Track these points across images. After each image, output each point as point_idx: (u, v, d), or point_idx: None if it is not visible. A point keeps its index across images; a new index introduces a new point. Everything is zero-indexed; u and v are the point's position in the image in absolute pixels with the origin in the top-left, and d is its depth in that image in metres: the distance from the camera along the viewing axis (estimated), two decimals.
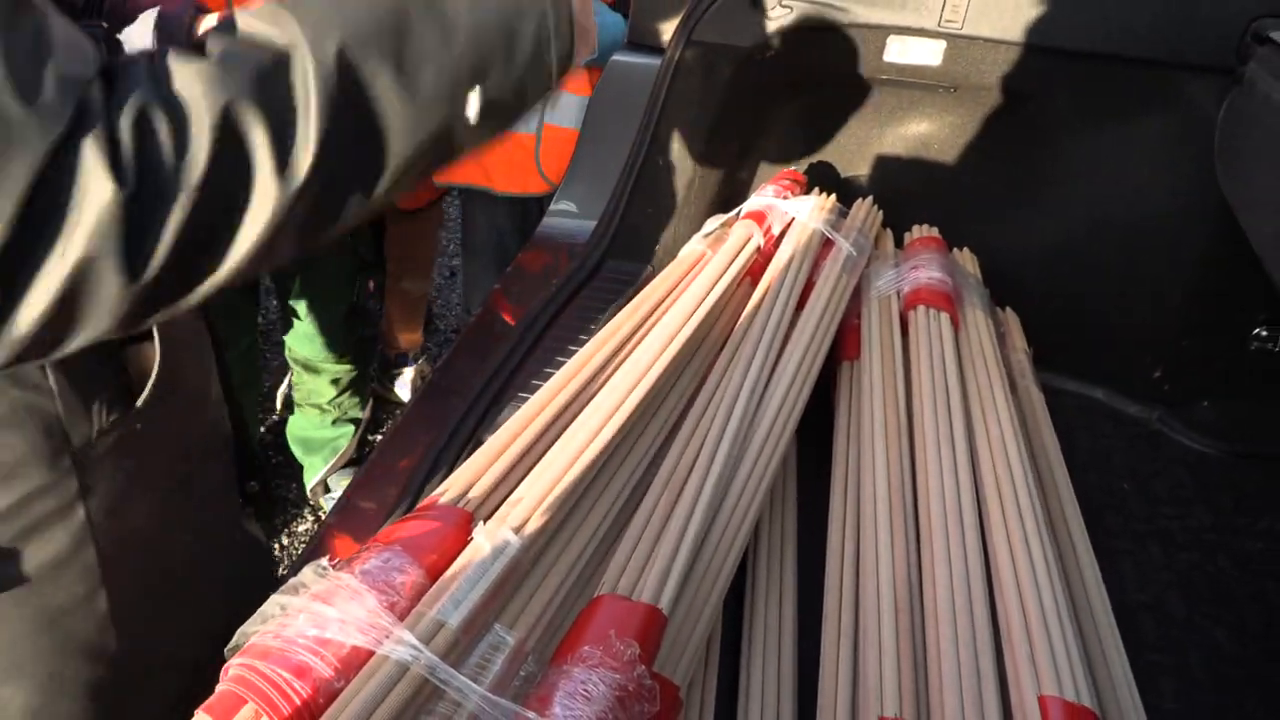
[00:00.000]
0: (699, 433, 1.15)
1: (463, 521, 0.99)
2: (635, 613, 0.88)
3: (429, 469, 1.20)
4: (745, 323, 1.40)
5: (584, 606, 0.92)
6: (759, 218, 1.62)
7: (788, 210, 1.64)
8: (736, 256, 1.50)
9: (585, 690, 0.79)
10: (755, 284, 1.53)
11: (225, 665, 0.78)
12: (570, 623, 0.92)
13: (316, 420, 2.30)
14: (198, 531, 1.05)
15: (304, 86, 0.56)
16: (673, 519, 1.00)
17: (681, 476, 1.07)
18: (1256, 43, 1.45)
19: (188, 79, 0.54)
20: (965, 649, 0.97)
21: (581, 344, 1.35)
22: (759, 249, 1.57)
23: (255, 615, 0.82)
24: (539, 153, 1.82)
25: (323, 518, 2.45)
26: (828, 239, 1.63)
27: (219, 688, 0.77)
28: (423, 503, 1.03)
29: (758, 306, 1.44)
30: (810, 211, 1.64)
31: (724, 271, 1.44)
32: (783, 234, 1.65)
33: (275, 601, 0.82)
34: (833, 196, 1.75)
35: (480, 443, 1.17)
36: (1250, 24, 1.47)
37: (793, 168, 1.83)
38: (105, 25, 0.67)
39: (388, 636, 0.75)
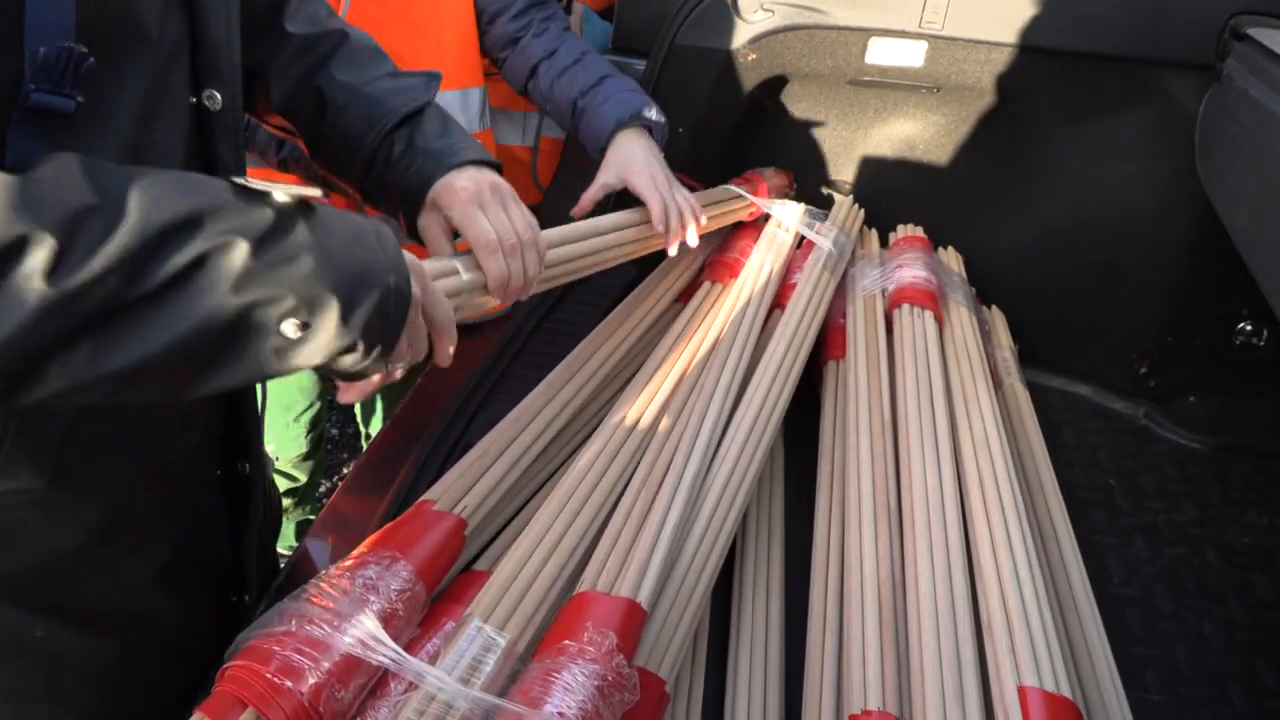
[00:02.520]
0: (675, 431, 1.16)
1: (457, 528, 1.00)
2: (613, 606, 0.89)
3: (418, 470, 1.21)
4: (722, 322, 1.41)
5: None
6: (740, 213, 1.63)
7: (767, 210, 1.65)
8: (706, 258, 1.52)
9: (565, 682, 0.80)
10: (733, 283, 1.55)
11: (222, 668, 0.79)
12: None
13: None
14: None
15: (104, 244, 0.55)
16: (650, 515, 1.01)
17: (659, 474, 1.08)
18: (1235, 39, 1.47)
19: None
20: (947, 642, 0.98)
21: (569, 346, 1.36)
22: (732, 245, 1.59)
23: (255, 621, 0.83)
24: (536, 165, 1.83)
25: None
26: (808, 239, 1.65)
27: (215, 689, 0.78)
28: (416, 505, 1.03)
29: (733, 306, 1.45)
30: (787, 212, 1.66)
31: (697, 274, 1.46)
32: (759, 235, 1.66)
33: (276, 608, 0.83)
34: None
35: (468, 445, 1.18)
36: (1229, 20, 1.48)
37: (777, 169, 1.84)
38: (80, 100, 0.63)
39: (380, 648, 0.77)
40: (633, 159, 1.37)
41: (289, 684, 0.76)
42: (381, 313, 0.67)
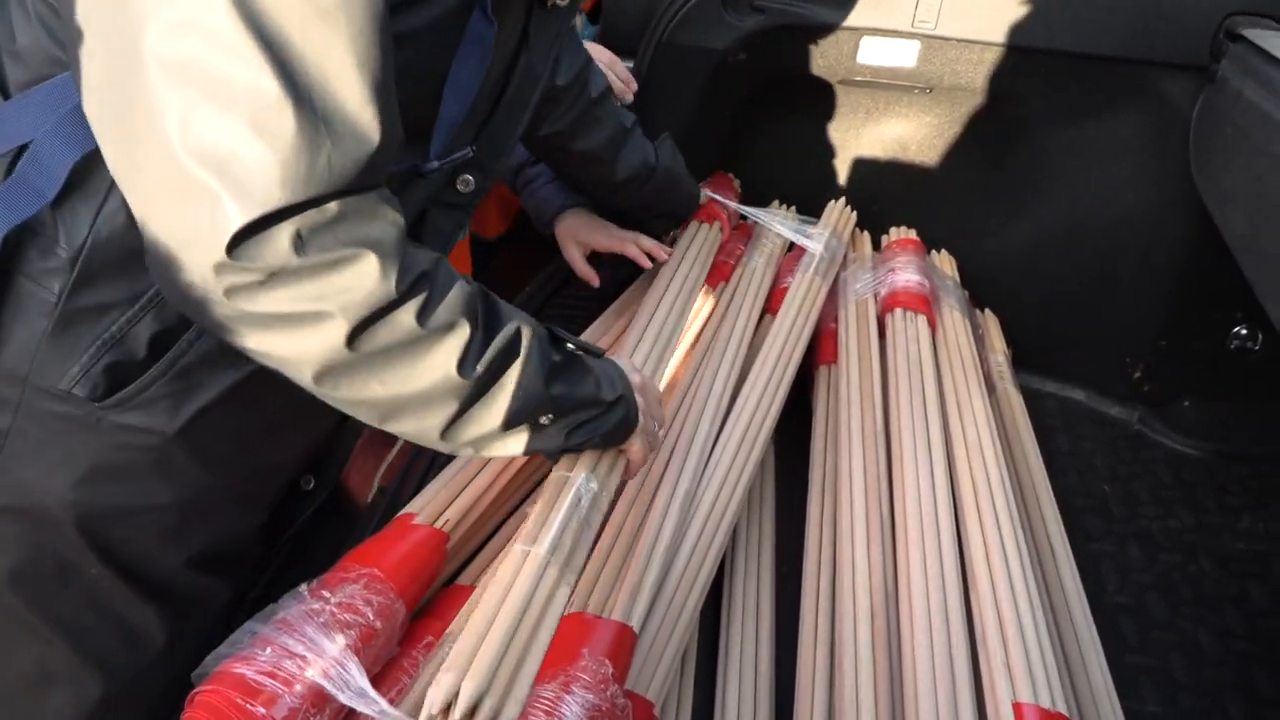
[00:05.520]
0: (666, 444, 1.14)
1: (439, 543, 0.98)
2: (606, 631, 0.87)
3: (401, 476, 1.18)
4: (712, 330, 1.39)
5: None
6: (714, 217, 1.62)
7: (753, 216, 1.64)
8: (696, 258, 1.49)
9: (560, 713, 0.77)
10: (723, 289, 1.52)
11: (192, 692, 0.77)
12: None
13: None
14: None
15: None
16: (642, 534, 0.99)
17: (650, 490, 1.06)
18: (1229, 40, 1.45)
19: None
20: (940, 656, 0.96)
21: None
22: (722, 248, 1.57)
23: (226, 640, 0.80)
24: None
25: None
26: (798, 243, 1.63)
27: (185, 714, 0.75)
28: (397, 519, 1.01)
29: (724, 313, 1.43)
30: (777, 217, 1.64)
31: (688, 276, 1.44)
32: (748, 237, 1.64)
33: (247, 629, 0.81)
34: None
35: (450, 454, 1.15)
36: (1223, 21, 1.46)
37: (768, 172, 1.82)
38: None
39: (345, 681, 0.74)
40: (587, 225, 1.50)
41: (262, 710, 0.73)
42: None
